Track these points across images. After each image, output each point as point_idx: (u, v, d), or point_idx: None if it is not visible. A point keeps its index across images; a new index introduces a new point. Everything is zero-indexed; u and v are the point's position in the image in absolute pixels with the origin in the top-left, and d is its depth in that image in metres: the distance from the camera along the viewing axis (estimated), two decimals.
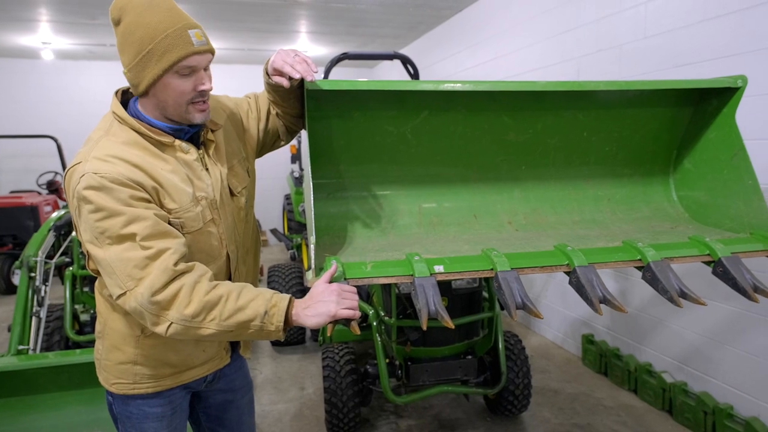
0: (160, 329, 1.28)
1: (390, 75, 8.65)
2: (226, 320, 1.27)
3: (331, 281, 1.37)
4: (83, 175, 1.28)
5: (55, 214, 4.08)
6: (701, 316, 3.14)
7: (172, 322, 1.27)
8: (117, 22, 1.35)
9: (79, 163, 1.33)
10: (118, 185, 1.28)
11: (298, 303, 1.34)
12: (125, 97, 1.49)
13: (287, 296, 1.34)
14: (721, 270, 1.59)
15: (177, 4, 1.41)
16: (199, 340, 1.34)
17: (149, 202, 1.33)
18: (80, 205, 1.29)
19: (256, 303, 1.30)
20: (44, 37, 6.71)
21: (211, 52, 1.41)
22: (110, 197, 1.27)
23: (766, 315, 2.75)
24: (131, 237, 1.27)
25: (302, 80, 1.48)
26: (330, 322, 1.31)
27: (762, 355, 2.79)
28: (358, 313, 1.33)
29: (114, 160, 1.32)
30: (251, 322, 1.29)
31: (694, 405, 3.10)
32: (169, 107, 1.39)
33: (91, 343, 3.87)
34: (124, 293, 1.28)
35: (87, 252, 1.37)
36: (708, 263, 1.64)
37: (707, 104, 1.97)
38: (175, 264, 1.28)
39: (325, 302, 1.30)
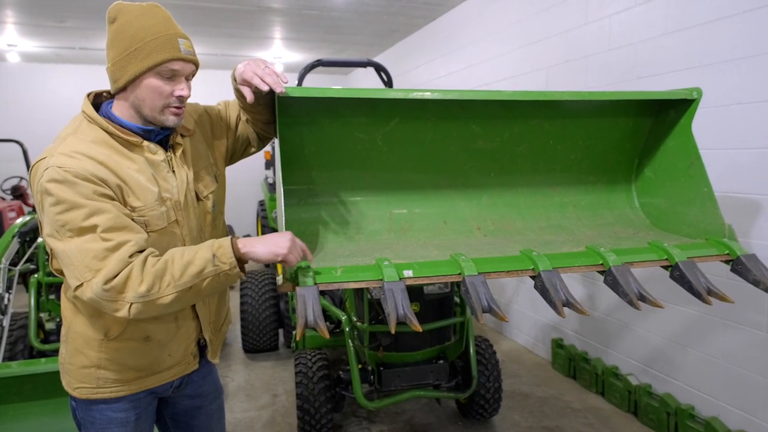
0: (123, 313, 1.29)
1: (364, 82, 8.70)
2: (180, 279, 1.29)
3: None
4: (47, 168, 1.30)
5: (19, 220, 3.99)
6: (664, 319, 3.24)
7: (131, 303, 1.28)
8: (112, 21, 1.41)
9: (45, 158, 1.35)
10: (81, 180, 1.29)
11: (245, 239, 1.39)
12: (97, 101, 1.52)
13: (228, 237, 1.38)
14: (678, 274, 1.66)
15: None
16: (164, 310, 1.35)
17: (112, 199, 1.35)
18: (43, 198, 1.31)
19: (202, 252, 1.33)
20: (10, 39, 6.56)
21: (195, 63, 1.47)
22: (72, 191, 1.28)
23: (725, 318, 2.85)
24: (92, 229, 1.28)
25: (272, 89, 1.51)
26: (277, 261, 1.37)
27: (721, 357, 2.90)
28: (298, 259, 1.39)
29: (79, 156, 1.33)
30: (204, 270, 1.31)
31: (657, 406, 3.19)
32: (145, 106, 1.43)
33: (56, 352, 3.78)
34: (81, 284, 1.29)
35: (48, 247, 1.38)
36: (666, 267, 1.71)
37: (665, 115, 2.05)
38: (131, 255, 1.30)
39: (279, 243, 1.36)
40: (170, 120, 1.46)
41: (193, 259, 1.31)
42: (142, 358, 1.54)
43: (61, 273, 1.48)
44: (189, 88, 1.48)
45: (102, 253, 1.28)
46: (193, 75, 1.50)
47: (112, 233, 1.29)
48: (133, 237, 1.32)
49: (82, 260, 1.28)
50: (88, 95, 1.49)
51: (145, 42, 1.37)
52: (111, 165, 1.37)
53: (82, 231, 1.29)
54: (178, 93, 1.43)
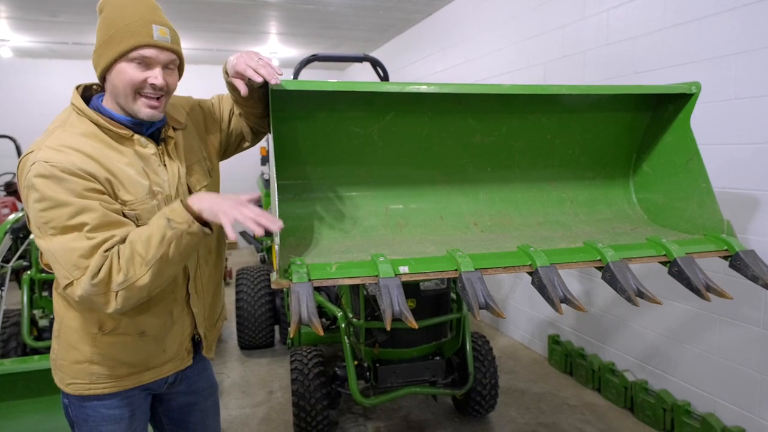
0: (112, 305, 1.29)
1: (361, 77, 8.65)
2: (147, 254, 1.28)
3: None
4: (34, 163, 1.28)
5: (12, 217, 3.95)
6: (661, 315, 3.23)
7: (117, 292, 1.28)
8: (100, 11, 1.41)
9: (32, 152, 1.32)
10: (68, 175, 1.27)
11: (196, 195, 1.37)
12: (88, 94, 1.50)
13: (178, 199, 1.38)
14: (676, 270, 1.65)
15: None
16: (149, 290, 1.33)
17: (101, 193, 1.33)
18: (28, 194, 1.29)
19: (157, 221, 1.32)
20: (2, 34, 6.49)
21: (174, 51, 1.42)
22: (59, 187, 1.27)
23: (721, 314, 2.85)
24: (78, 227, 1.27)
25: (266, 81, 1.48)
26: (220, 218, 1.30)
27: (717, 353, 2.90)
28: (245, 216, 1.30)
29: (67, 149, 1.31)
30: (165, 237, 1.29)
31: (653, 402, 3.18)
32: (119, 94, 1.40)
33: (49, 350, 3.75)
34: (71, 283, 1.29)
35: None
36: (664, 263, 1.70)
37: (664, 109, 2.03)
38: (106, 250, 1.29)
39: (224, 199, 1.32)
40: (143, 112, 1.40)
41: (152, 231, 1.30)
42: (136, 353, 1.52)
43: (51, 268, 1.46)
44: (172, 78, 1.43)
45: (89, 251, 1.27)
46: (176, 65, 1.45)
47: (97, 231, 1.29)
48: (119, 232, 1.31)
49: (68, 259, 1.27)
50: (77, 88, 1.47)
51: (118, 28, 1.35)
52: (100, 158, 1.35)
53: (66, 229, 1.27)
54: (150, 81, 1.38)
